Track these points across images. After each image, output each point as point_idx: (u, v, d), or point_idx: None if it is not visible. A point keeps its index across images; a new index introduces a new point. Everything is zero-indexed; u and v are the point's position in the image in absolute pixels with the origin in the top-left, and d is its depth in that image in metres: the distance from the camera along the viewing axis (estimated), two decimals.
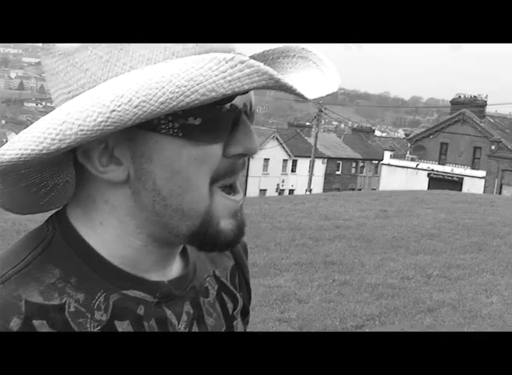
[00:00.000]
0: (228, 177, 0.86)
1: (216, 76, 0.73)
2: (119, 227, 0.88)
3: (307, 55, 0.92)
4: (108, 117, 0.73)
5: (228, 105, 0.81)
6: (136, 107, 0.73)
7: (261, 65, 0.74)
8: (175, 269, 0.96)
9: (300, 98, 0.81)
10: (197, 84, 0.73)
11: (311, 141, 47.16)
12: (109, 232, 0.88)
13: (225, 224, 0.86)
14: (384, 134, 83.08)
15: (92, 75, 0.80)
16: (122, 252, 0.89)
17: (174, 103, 0.73)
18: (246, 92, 0.79)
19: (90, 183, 0.87)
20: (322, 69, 0.90)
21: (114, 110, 0.73)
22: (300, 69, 0.92)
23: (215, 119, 0.81)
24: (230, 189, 0.88)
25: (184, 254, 0.99)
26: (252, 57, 0.93)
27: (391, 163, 42.69)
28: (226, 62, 0.74)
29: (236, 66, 0.73)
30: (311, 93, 0.83)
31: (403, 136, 60.35)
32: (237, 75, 0.73)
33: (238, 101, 0.83)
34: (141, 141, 0.81)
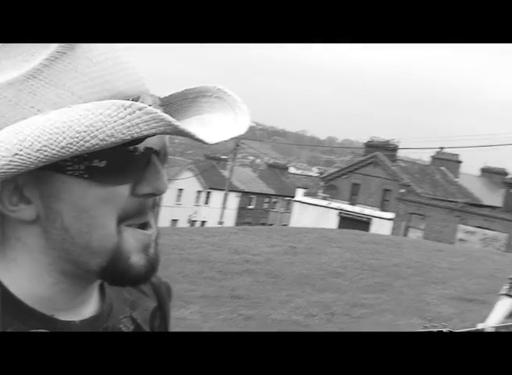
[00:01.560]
0: (137, 217, 0.87)
1: (115, 122, 0.75)
2: (32, 265, 0.88)
3: (222, 95, 0.95)
4: (11, 161, 0.75)
5: (136, 147, 0.83)
6: (37, 151, 0.75)
7: (159, 112, 0.77)
8: (89, 308, 0.96)
9: (201, 142, 0.83)
10: (97, 130, 0.75)
11: (227, 174, 47.39)
12: (22, 269, 0.88)
13: (136, 259, 0.87)
14: (299, 172, 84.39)
15: (2, 117, 0.81)
16: (34, 291, 0.89)
17: (75, 148, 0.75)
18: (151, 136, 0.81)
19: (4, 221, 0.87)
20: (236, 110, 0.93)
21: (16, 154, 0.75)
22: (217, 110, 0.95)
23: (121, 162, 0.83)
24: (142, 225, 0.89)
25: (102, 292, 0.99)
26: (172, 96, 0.97)
27: (303, 201, 43.30)
28: (125, 109, 0.76)
29: (134, 112, 0.76)
30: (211, 137, 0.85)
31: (317, 174, 61.43)
32: (135, 121, 0.76)
33: (148, 142, 0.85)
34: (48, 181, 0.82)
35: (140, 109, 0.76)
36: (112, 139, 0.76)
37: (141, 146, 0.84)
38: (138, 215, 0.88)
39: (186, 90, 0.97)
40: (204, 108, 0.97)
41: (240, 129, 0.90)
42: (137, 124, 0.76)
